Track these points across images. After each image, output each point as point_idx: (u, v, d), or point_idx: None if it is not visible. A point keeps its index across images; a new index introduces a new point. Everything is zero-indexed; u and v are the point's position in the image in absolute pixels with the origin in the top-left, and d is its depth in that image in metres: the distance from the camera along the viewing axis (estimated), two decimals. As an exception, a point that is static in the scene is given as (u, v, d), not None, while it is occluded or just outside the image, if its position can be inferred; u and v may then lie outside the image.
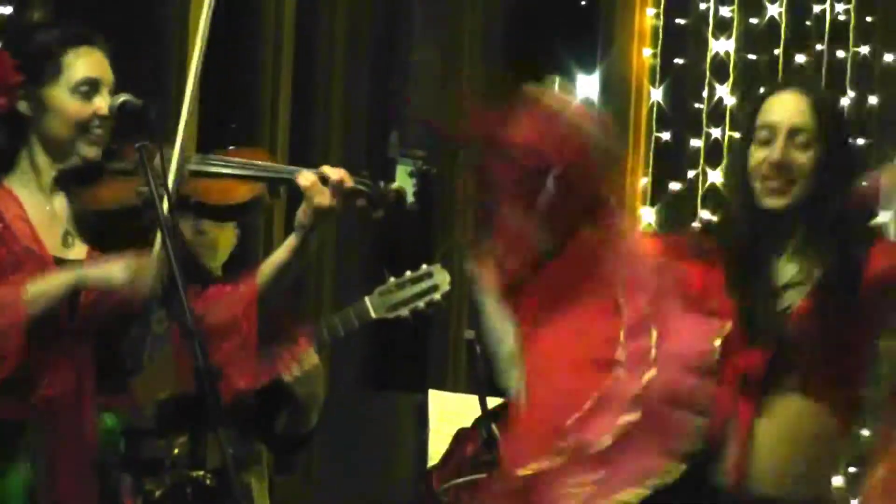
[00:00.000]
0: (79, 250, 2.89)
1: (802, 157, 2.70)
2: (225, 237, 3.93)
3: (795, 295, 2.71)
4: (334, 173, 2.93)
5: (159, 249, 2.74)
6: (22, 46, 2.95)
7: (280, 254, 2.98)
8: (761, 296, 2.72)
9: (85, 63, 2.88)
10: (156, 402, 3.24)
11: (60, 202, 2.93)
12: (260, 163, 3.05)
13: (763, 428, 2.66)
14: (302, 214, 2.93)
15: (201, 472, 3.17)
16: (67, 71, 2.86)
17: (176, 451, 3.13)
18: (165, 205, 2.71)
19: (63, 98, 2.87)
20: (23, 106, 2.87)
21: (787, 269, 2.74)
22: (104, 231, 2.90)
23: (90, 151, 2.87)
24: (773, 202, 2.71)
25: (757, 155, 2.73)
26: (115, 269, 2.77)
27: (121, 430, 2.97)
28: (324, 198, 2.87)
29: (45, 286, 2.79)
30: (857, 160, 2.77)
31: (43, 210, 2.89)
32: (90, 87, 2.85)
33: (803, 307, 2.67)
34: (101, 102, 2.82)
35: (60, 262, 2.85)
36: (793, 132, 2.70)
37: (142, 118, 2.84)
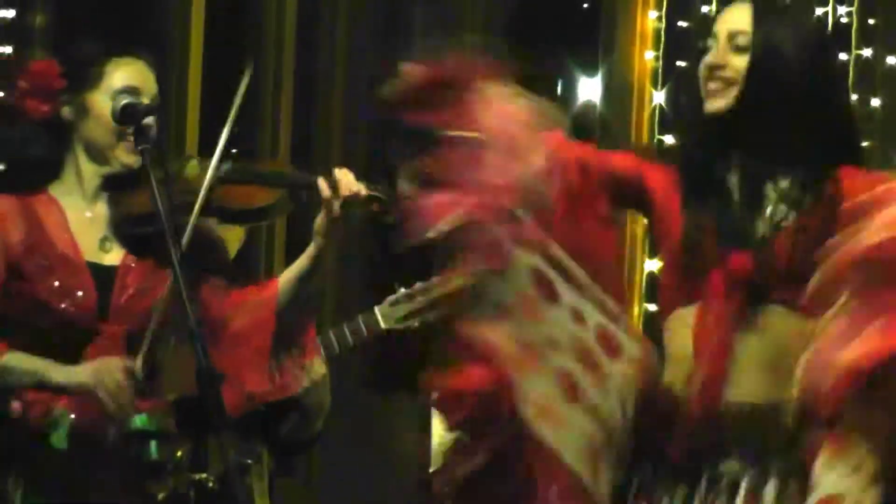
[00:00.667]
0: (115, 255, 2.99)
1: (740, 60, 2.72)
2: (233, 237, 3.94)
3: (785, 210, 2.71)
4: (352, 184, 2.95)
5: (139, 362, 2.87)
6: (66, 54, 3.04)
7: (301, 262, 3.01)
8: (723, 203, 2.72)
9: (125, 72, 2.97)
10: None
11: (101, 208, 2.99)
12: (283, 170, 3.11)
13: (746, 337, 2.66)
14: (320, 222, 2.96)
15: (204, 476, 3.17)
16: (108, 78, 2.95)
17: (178, 453, 3.12)
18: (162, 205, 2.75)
19: (103, 104, 2.92)
20: (66, 112, 2.94)
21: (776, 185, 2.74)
22: (140, 236, 2.94)
23: (129, 158, 2.92)
24: (711, 105, 2.73)
25: (702, 63, 2.76)
26: (81, 375, 2.88)
27: (154, 431, 3.00)
28: (338, 205, 2.90)
29: (20, 365, 2.90)
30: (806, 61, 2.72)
31: (83, 216, 2.99)
32: (130, 95, 2.89)
33: (789, 226, 2.67)
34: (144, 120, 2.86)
35: (95, 268, 2.94)
36: (731, 35, 2.73)
37: (144, 121, 2.88)
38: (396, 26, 5.93)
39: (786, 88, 2.69)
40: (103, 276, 2.96)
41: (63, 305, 2.90)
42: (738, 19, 2.75)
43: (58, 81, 2.96)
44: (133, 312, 2.94)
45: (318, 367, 3.60)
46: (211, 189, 2.93)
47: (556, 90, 5.83)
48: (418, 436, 4.57)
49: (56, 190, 2.99)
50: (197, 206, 2.90)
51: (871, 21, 4.72)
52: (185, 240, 2.81)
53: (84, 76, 2.96)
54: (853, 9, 4.68)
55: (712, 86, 2.73)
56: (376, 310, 3.75)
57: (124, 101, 2.89)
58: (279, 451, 3.83)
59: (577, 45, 5.66)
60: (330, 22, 5.70)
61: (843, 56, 4.49)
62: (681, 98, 3.03)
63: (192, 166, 3.05)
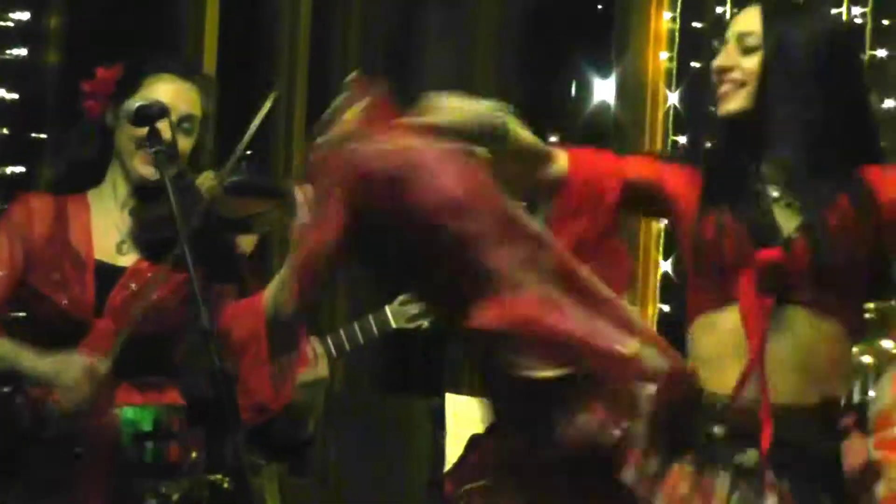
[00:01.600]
0: (129, 258, 3.06)
1: (749, 61, 2.71)
2: (246, 242, 3.95)
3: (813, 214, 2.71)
4: None
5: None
6: (116, 65, 3.14)
7: (283, 272, 3.02)
8: (745, 204, 2.72)
9: (159, 87, 3.04)
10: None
11: (127, 215, 3.06)
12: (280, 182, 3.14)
13: (777, 338, 2.66)
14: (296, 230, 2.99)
15: (219, 476, 3.18)
16: (142, 91, 3.01)
17: (193, 454, 3.14)
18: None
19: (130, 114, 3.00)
20: (108, 118, 3.04)
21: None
22: (153, 241, 3.00)
23: (145, 169, 3.00)
24: (723, 107, 2.73)
25: (712, 66, 2.77)
26: (43, 367, 2.93)
27: (151, 428, 3.03)
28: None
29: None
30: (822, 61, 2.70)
31: (109, 221, 3.10)
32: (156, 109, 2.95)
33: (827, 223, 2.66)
34: (164, 127, 2.91)
35: (104, 267, 3.05)
36: (740, 37, 2.72)
37: (157, 123, 2.92)
38: (411, 30, 5.94)
39: (799, 87, 2.69)
40: (111, 275, 3.04)
41: (60, 299, 3.00)
42: (747, 21, 2.75)
43: (108, 85, 3.09)
44: (127, 312, 2.98)
45: (322, 371, 3.61)
46: (213, 199, 2.96)
47: (570, 91, 5.84)
48: (432, 435, 4.58)
49: (93, 194, 3.10)
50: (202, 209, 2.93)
51: (885, 22, 4.71)
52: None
53: (124, 86, 3.06)
54: (867, 9, 4.66)
55: (723, 88, 2.73)
56: (387, 309, 3.76)
57: (137, 103, 2.94)
58: (271, 453, 3.84)
59: (591, 46, 5.66)
60: (342, 45, 5.74)
61: (857, 56, 4.47)
62: (694, 101, 3.02)
63: (206, 177, 3.08)
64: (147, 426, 3.02)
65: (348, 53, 5.75)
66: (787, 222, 2.67)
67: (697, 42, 5.17)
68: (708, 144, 2.91)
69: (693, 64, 5.10)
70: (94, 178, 3.15)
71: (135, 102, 2.95)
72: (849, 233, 2.64)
